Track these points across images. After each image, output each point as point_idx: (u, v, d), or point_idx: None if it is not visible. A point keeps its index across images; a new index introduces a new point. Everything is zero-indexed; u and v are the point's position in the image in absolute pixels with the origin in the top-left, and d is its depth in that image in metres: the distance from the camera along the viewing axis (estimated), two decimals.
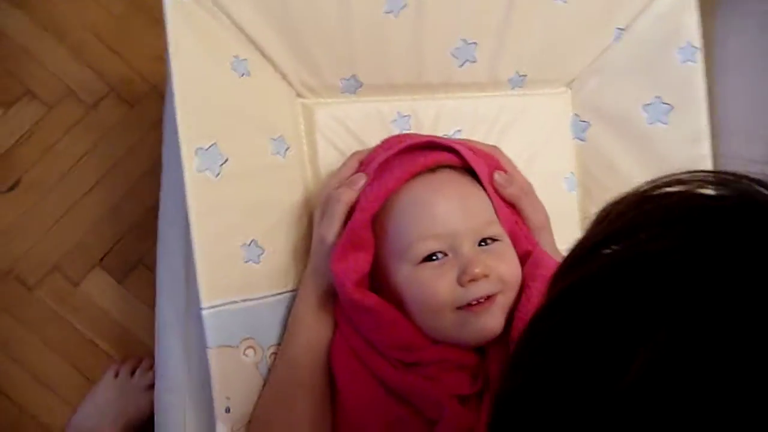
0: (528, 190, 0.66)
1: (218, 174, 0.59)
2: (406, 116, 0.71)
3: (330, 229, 0.59)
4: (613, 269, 0.27)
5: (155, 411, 0.66)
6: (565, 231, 0.72)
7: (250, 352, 0.60)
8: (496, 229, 0.59)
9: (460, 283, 0.55)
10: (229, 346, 0.59)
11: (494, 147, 0.68)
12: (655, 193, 0.29)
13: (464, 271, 0.55)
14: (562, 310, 0.28)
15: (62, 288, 0.97)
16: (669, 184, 0.29)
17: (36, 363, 0.95)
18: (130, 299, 0.98)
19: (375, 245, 0.59)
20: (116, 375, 0.93)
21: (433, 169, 0.60)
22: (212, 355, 0.57)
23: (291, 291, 0.63)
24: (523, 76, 0.73)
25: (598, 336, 0.25)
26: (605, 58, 0.74)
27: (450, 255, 0.57)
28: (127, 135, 1.01)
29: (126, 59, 1.03)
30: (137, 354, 0.96)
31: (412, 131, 0.71)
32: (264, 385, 0.60)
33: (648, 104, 0.72)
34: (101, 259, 0.98)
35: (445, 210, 0.57)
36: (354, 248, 0.58)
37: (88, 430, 0.90)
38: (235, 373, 0.59)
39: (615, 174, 0.73)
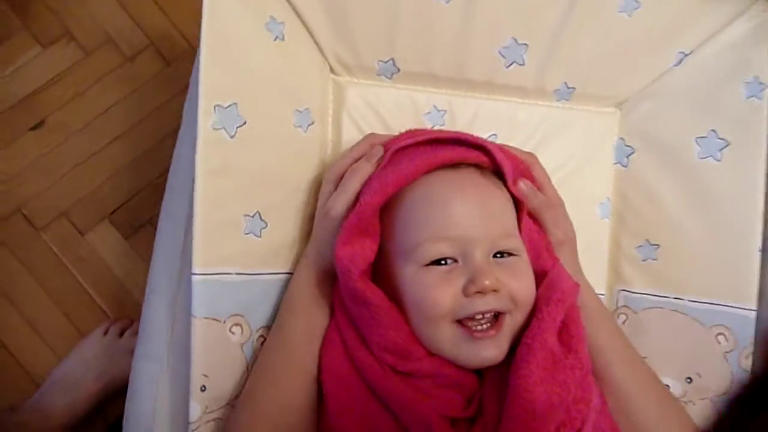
0: (555, 204, 0.61)
1: (233, 135, 0.56)
2: (441, 111, 0.68)
3: (339, 203, 0.56)
4: None
5: (130, 376, 0.63)
6: (593, 259, 0.68)
7: (237, 329, 0.57)
8: (515, 243, 0.55)
9: (466, 293, 0.51)
10: (216, 320, 0.56)
11: (531, 154, 0.63)
12: None
13: (472, 280, 0.51)
14: None
15: (68, 235, 0.95)
16: None
17: (30, 305, 0.93)
18: (134, 258, 0.96)
19: (381, 236, 0.55)
20: (105, 333, 0.91)
21: (456, 166, 0.56)
22: (196, 325, 0.54)
23: (289, 273, 0.60)
24: (571, 88, 0.69)
25: None
26: (663, 82, 0.69)
27: (460, 262, 0.53)
28: (159, 92, 0.99)
29: (170, 16, 1.01)
30: (131, 315, 0.93)
31: (445, 127, 0.67)
32: (253, 364, 0.57)
33: (702, 137, 0.66)
34: (112, 213, 0.96)
35: (462, 212, 0.53)
36: (361, 234, 0.54)
37: (71, 383, 0.88)
38: (218, 349, 0.55)
39: (655, 206, 0.68)
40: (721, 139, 0.65)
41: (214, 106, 0.55)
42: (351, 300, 0.54)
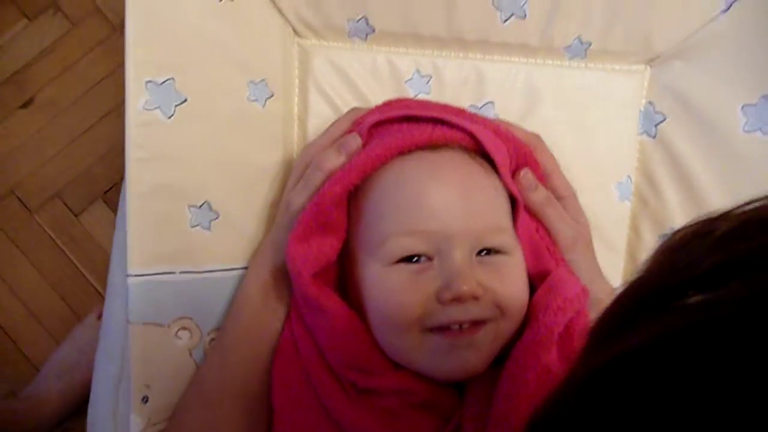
0: (564, 196, 0.51)
1: (171, 115, 0.48)
2: (426, 76, 0.57)
3: (300, 196, 0.48)
4: (713, 329, 0.18)
5: (93, 374, 0.59)
6: (608, 249, 0.57)
7: (184, 334, 0.51)
8: (504, 239, 0.46)
9: (439, 299, 0.43)
10: (158, 325, 0.49)
11: (535, 135, 0.53)
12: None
13: (447, 284, 0.42)
14: (620, 387, 0.19)
15: (62, 216, 0.92)
16: None
17: (27, 289, 0.91)
18: None
19: (348, 230, 0.47)
20: (99, 317, 0.88)
21: (437, 147, 0.47)
22: (134, 332, 0.48)
23: (246, 268, 0.53)
24: (586, 44, 0.57)
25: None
26: (705, 34, 0.55)
27: (435, 261, 0.44)
28: None
29: None
30: None
31: (431, 96, 0.57)
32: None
33: (750, 105, 0.53)
34: (106, 192, 0.92)
35: (440, 201, 0.44)
36: (320, 230, 0.46)
37: (65, 369, 0.86)
38: (161, 356, 0.50)
39: (685, 187, 0.56)
40: None
41: (146, 83, 0.47)
42: (304, 306, 0.47)
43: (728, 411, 0.16)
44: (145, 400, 0.49)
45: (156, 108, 0.48)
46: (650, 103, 0.59)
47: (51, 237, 0.91)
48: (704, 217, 0.21)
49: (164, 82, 0.48)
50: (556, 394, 0.21)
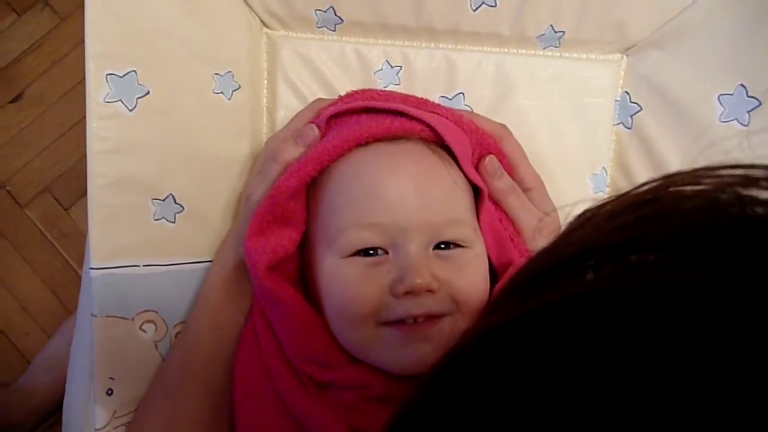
0: (531, 186, 0.50)
1: (133, 108, 0.48)
2: (396, 67, 0.57)
3: (258, 189, 0.48)
4: (608, 299, 0.18)
5: (68, 366, 0.59)
6: None
7: (149, 327, 0.51)
8: (464, 232, 0.45)
9: (393, 292, 0.42)
10: (122, 318, 0.49)
11: (502, 126, 0.52)
12: (672, 194, 0.20)
13: (401, 277, 0.42)
14: (518, 345, 0.19)
15: (52, 211, 0.93)
16: (696, 180, 0.20)
17: (19, 284, 0.92)
18: None
19: (307, 222, 0.47)
20: None
21: (396, 138, 0.46)
22: (97, 325, 0.48)
23: (211, 261, 0.52)
24: (559, 32, 0.56)
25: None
26: (680, 22, 0.54)
27: (390, 254, 0.43)
28: None
29: None
30: None
31: (400, 87, 0.56)
32: None
33: (727, 94, 0.52)
34: None
35: (395, 194, 0.44)
36: (277, 222, 0.45)
37: (53, 363, 0.87)
38: (126, 349, 0.50)
39: None
40: (751, 97, 0.51)
41: (107, 76, 0.47)
42: (262, 299, 0.46)
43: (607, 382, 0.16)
44: (109, 392, 0.49)
45: (117, 100, 0.48)
46: (626, 92, 0.57)
47: (41, 231, 0.92)
48: (634, 188, 0.21)
49: (126, 74, 0.48)
50: (452, 350, 0.21)
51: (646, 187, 0.20)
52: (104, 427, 0.49)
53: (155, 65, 0.49)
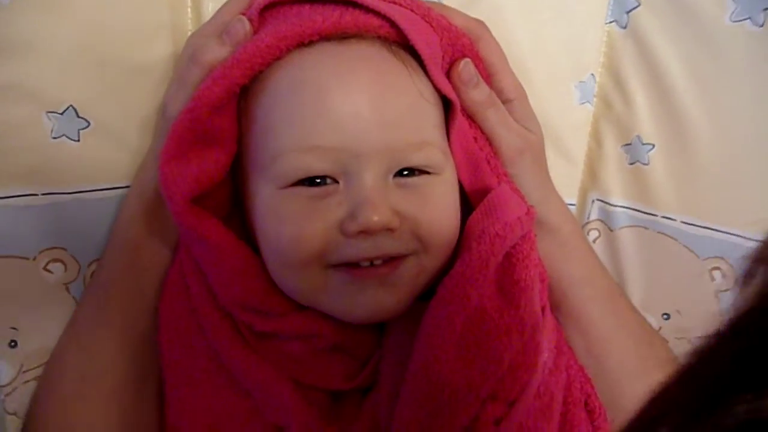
0: (512, 97, 0.42)
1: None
2: None
3: (177, 99, 0.39)
4: None
5: None
6: (563, 158, 0.50)
7: (56, 266, 0.43)
8: (431, 155, 0.38)
9: (344, 231, 0.35)
10: (20, 257, 0.41)
11: (479, 23, 0.43)
12: None
13: (353, 213, 0.35)
14: None
15: None
16: None
17: None
18: None
19: (239, 141, 0.39)
20: None
21: (346, 37, 0.37)
22: None
23: (128, 187, 0.44)
24: None
25: None
26: None
27: (341, 183, 0.36)
28: None
29: None
30: None
31: None
32: None
33: None
34: None
35: (347, 108, 0.35)
36: (199, 142, 0.37)
37: None
38: (28, 294, 0.42)
39: (657, 87, 0.47)
40: None
41: None
42: (186, 237, 0.39)
43: None
44: (12, 344, 0.42)
45: None
46: None
47: None
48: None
49: None
50: None
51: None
52: (10, 383, 0.42)
53: None
